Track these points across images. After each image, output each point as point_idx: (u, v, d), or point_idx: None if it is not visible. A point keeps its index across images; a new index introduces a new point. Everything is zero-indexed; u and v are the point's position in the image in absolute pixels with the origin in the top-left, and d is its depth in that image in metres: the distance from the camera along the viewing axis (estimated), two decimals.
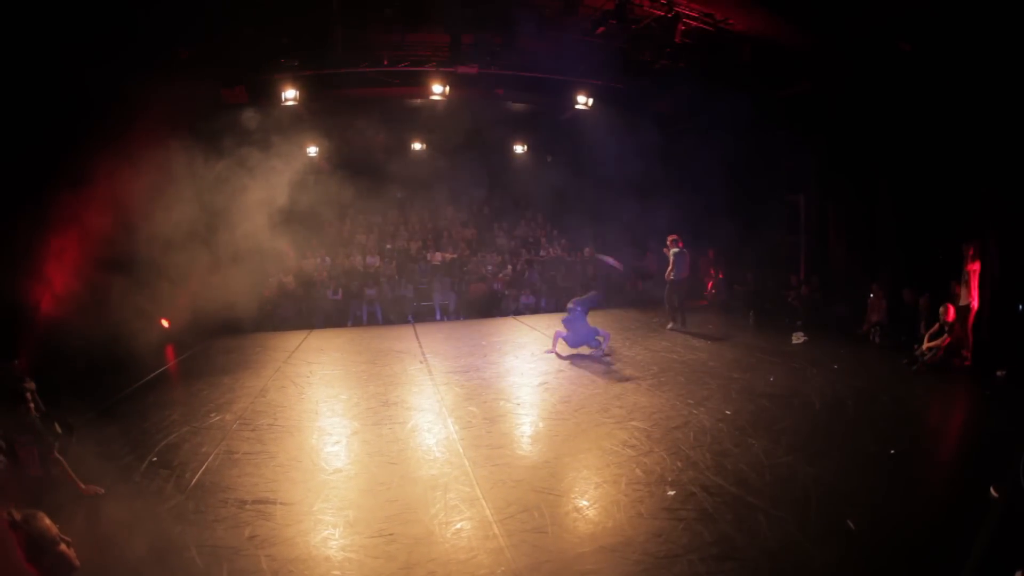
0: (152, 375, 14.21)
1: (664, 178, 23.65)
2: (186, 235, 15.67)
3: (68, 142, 13.93)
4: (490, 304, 23.11)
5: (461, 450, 8.94)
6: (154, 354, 15.87)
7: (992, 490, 6.38)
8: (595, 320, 16.09)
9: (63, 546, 4.33)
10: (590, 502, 7.23)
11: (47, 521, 4.32)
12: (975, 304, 13.13)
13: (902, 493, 7.17)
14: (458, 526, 6.65)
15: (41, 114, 13.24)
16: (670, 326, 18.31)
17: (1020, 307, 13.54)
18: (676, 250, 17.97)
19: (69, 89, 14.00)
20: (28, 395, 7.88)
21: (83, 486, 7.48)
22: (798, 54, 16.71)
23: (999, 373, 12.04)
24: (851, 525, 6.37)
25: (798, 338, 16.07)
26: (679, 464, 8.16)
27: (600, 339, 15.17)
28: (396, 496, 7.43)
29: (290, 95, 18.09)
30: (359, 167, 23.11)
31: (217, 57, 15.80)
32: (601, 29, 16.40)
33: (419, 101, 21.02)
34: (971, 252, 13.32)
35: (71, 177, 13.99)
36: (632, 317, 20.48)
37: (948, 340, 12.96)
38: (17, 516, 4.25)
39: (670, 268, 18.10)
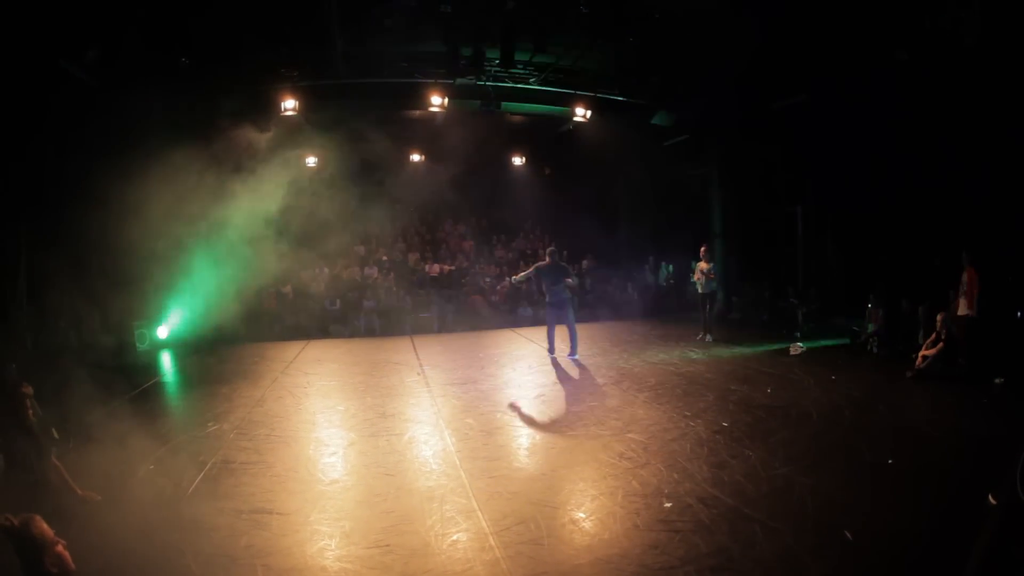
0: (149, 383, 14.18)
1: (662, 190, 23.73)
2: (184, 244, 15.68)
3: (68, 150, 13.96)
4: (488, 316, 23.15)
5: (458, 462, 8.92)
6: (151, 362, 15.88)
7: (990, 498, 6.38)
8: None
9: (59, 548, 4.35)
10: (586, 514, 7.21)
11: (43, 525, 4.33)
12: (972, 312, 13.16)
13: (899, 503, 7.15)
14: (454, 538, 6.63)
15: (39, 121, 13.28)
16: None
17: (1019, 314, 13.59)
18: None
19: (70, 96, 14.05)
20: (26, 400, 7.88)
21: (80, 492, 7.49)
22: (796, 65, 16.75)
23: (997, 381, 12.08)
24: (848, 535, 6.36)
25: (795, 349, 16.07)
26: (676, 476, 8.14)
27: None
28: (392, 507, 7.41)
29: (289, 105, 18.13)
30: (357, 178, 23.11)
31: (217, 66, 15.84)
32: (599, 40, 16.44)
33: (418, 113, 21.02)
34: (967, 260, 13.36)
35: (70, 184, 14.02)
36: (630, 329, 20.48)
37: (942, 347, 12.98)
38: (15, 521, 4.26)
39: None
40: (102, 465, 8.30)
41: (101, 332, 14.25)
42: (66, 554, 4.37)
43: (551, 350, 16.12)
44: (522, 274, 16.51)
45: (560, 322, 16.06)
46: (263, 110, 18.21)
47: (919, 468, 8.27)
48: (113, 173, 14.10)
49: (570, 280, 15.96)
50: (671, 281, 25.50)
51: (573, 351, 16.02)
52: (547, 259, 15.99)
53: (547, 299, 16.05)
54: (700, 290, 17.99)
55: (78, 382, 10.55)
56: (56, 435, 8.09)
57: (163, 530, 6.72)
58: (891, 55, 14.67)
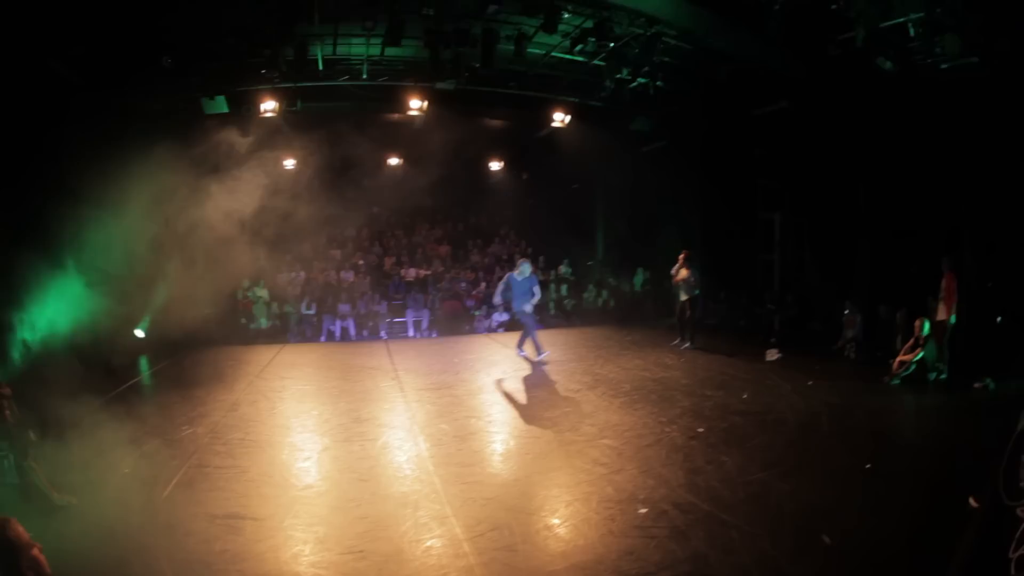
0: (125, 386, 14.10)
1: (639, 197, 23.78)
2: (161, 246, 15.62)
3: (48, 149, 13.87)
4: (463, 321, 23.18)
5: (432, 468, 8.93)
6: (127, 365, 15.80)
7: (971, 500, 6.42)
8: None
9: (35, 551, 4.33)
10: (561, 520, 7.24)
11: (19, 528, 4.31)
12: (951, 318, 13.27)
13: (878, 507, 7.21)
14: (428, 544, 6.65)
15: (20, 120, 13.19)
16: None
17: (998, 319, 13.71)
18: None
19: (51, 95, 13.96)
20: (3, 402, 7.82)
21: (57, 495, 7.46)
22: (776, 73, 16.82)
23: (976, 385, 12.23)
24: (826, 540, 6.40)
25: (772, 355, 16.12)
26: (651, 482, 8.17)
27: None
28: (366, 513, 7.42)
29: (269, 107, 18.07)
30: (335, 181, 23.05)
31: (199, 67, 15.80)
32: (580, 47, 16.48)
33: (396, 116, 20.98)
34: (947, 266, 13.47)
35: (50, 182, 13.93)
36: (604, 335, 20.49)
37: (919, 352, 13.07)
38: None
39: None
40: (78, 468, 8.28)
41: (79, 332, 14.15)
42: (42, 558, 4.34)
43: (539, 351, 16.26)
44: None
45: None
46: (243, 111, 18.15)
47: (898, 472, 8.35)
48: (93, 172, 14.02)
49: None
50: (647, 287, 25.51)
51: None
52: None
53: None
54: (682, 296, 17.94)
55: (55, 383, 10.51)
56: (33, 437, 8.04)
57: (139, 534, 6.72)
58: (874, 64, 14.75)
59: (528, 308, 15.98)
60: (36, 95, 13.58)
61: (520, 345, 16.52)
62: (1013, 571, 4.45)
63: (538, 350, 16.15)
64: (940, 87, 14.11)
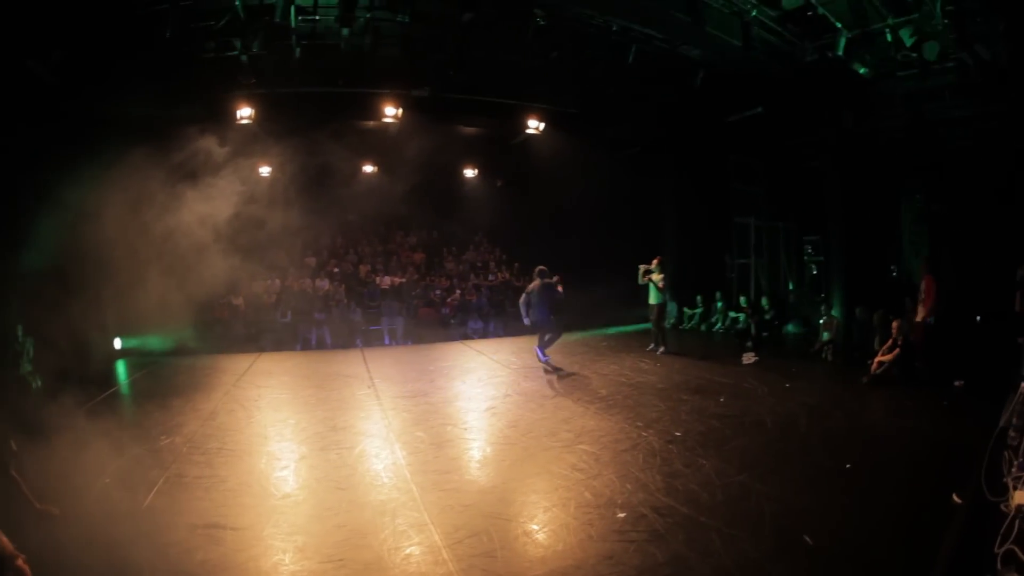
0: (103, 395, 14.02)
1: (614, 202, 23.83)
2: (137, 254, 15.55)
3: (24, 153, 13.80)
4: (438, 329, 23.20)
5: (408, 475, 8.92)
6: (107, 373, 15.73)
7: (954, 497, 6.50)
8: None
9: (20, 562, 4.34)
10: (539, 526, 7.25)
11: (3, 539, 4.33)
12: (930, 318, 13.40)
13: (860, 506, 7.26)
14: (408, 551, 6.64)
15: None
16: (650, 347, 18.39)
17: (977, 318, 13.87)
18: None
19: (30, 99, 13.90)
20: None
21: (39, 505, 7.42)
22: (751, 79, 16.91)
23: (957, 384, 12.38)
24: (808, 540, 6.45)
25: (748, 358, 16.20)
26: (629, 486, 8.20)
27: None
28: (345, 522, 7.41)
29: (245, 114, 18.04)
30: (311, 189, 23.01)
31: (177, 73, 15.76)
32: (555, 53, 16.53)
33: (372, 124, 20.95)
34: (926, 269, 13.62)
35: (27, 189, 13.87)
36: (580, 341, 20.55)
37: (898, 352, 13.18)
38: None
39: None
40: (59, 478, 8.23)
41: (59, 341, 14.08)
42: (26, 568, 4.36)
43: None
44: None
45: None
46: (219, 118, 18.11)
47: (879, 471, 8.42)
48: (69, 178, 13.99)
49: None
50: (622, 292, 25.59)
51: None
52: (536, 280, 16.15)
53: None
54: (652, 301, 18.01)
55: (35, 392, 10.46)
56: (14, 447, 8.00)
57: (120, 545, 6.65)
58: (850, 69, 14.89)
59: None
60: (14, 98, 13.52)
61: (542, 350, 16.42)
62: (999, 566, 4.55)
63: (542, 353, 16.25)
64: (917, 90, 14.30)
